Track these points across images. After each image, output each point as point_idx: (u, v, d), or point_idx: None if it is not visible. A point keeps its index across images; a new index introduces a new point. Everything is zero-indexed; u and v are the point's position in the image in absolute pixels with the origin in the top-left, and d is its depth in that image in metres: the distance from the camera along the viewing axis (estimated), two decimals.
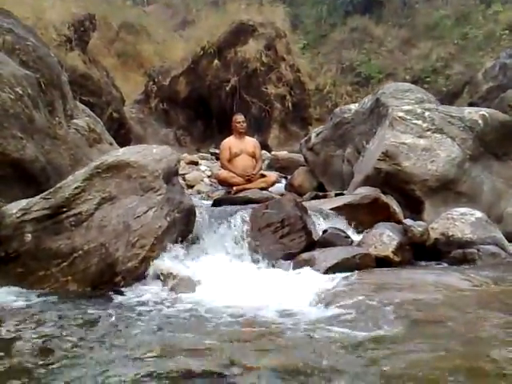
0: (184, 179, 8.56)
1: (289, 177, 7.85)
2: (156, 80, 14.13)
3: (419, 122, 5.28)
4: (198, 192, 8.26)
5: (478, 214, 4.07)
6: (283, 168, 9.18)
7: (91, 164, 3.81)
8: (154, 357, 2.00)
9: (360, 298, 2.57)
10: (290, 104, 13.38)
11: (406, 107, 5.38)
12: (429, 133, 5.25)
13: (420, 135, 5.22)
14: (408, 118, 5.29)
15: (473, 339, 2.07)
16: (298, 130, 13.69)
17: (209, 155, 11.32)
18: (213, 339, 2.21)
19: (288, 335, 2.25)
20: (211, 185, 8.63)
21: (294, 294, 2.88)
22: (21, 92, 4.75)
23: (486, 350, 1.92)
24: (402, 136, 5.19)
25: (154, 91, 14.15)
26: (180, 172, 8.12)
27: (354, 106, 6.36)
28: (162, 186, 3.70)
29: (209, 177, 9.13)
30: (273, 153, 10.60)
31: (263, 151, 9.40)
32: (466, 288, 2.73)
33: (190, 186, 8.54)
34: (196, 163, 9.77)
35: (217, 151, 9.71)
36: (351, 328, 2.24)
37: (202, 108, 13.91)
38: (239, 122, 5.80)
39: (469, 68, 20.51)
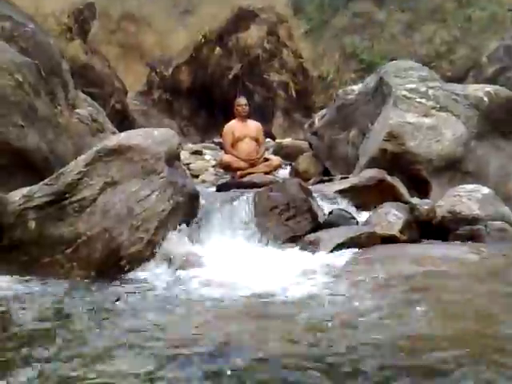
0: (189, 169, 8.53)
1: (294, 163, 7.79)
2: (158, 70, 14.07)
3: (423, 101, 5.21)
4: (203, 181, 8.24)
5: (485, 190, 4.01)
6: (288, 155, 9.10)
7: (93, 149, 3.79)
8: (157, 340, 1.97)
9: (365, 271, 2.53)
10: (293, 91, 13.28)
11: (410, 85, 5.31)
12: (433, 111, 5.19)
13: (425, 114, 5.15)
14: (412, 96, 5.22)
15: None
16: (301, 118, 13.59)
17: (213, 145, 11.27)
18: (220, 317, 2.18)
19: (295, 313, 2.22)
20: (216, 174, 8.59)
21: (298, 270, 2.85)
22: (21, 79, 4.72)
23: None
24: (407, 115, 5.13)
25: (157, 82, 14.09)
26: (184, 162, 8.10)
27: (357, 87, 6.28)
28: (165, 169, 3.67)
29: (213, 166, 9.10)
30: (277, 140, 10.54)
31: (267, 139, 9.35)
32: (474, 260, 2.69)
33: (195, 176, 8.51)
34: (200, 153, 9.75)
35: (221, 140, 9.67)
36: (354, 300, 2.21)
37: (205, 98, 13.84)
38: (241, 106, 5.73)
39: (473, 51, 20.31)
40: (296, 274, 2.83)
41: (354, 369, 1.52)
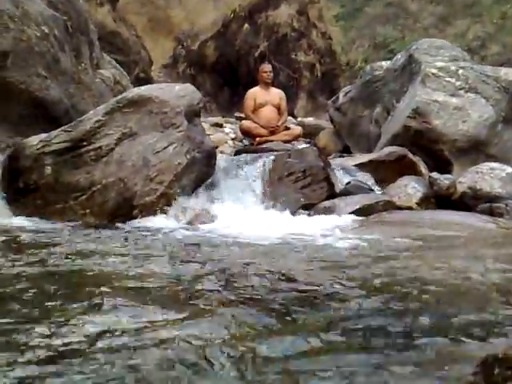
0: None
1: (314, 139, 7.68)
2: (185, 44, 14.00)
3: (452, 80, 5.08)
4: (221, 152, 8.19)
5: (509, 169, 3.90)
6: (310, 134, 8.98)
7: (113, 99, 3.77)
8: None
9: (378, 231, 2.47)
10: (319, 73, 13.10)
11: (440, 64, 5.17)
12: (462, 92, 5.06)
13: (452, 93, 5.03)
14: (441, 75, 5.09)
15: None
16: (325, 101, 13.44)
17: (234, 119, 11.19)
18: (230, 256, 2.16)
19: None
20: (235, 147, 8.55)
21: (309, 228, 2.80)
22: (47, 31, 4.70)
23: None
24: (434, 93, 5.01)
25: (183, 55, 14.03)
26: None
27: (385, 64, 6.14)
28: (183, 123, 3.63)
29: (233, 139, 9.03)
30: (299, 119, 10.42)
31: (289, 117, 9.23)
32: (491, 228, 2.61)
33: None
34: (220, 125, 9.67)
35: (242, 115, 9.58)
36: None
37: (229, 75, 13.74)
38: (266, 72, 5.63)
39: (506, 49, 19.87)
40: (309, 232, 2.78)
41: None
